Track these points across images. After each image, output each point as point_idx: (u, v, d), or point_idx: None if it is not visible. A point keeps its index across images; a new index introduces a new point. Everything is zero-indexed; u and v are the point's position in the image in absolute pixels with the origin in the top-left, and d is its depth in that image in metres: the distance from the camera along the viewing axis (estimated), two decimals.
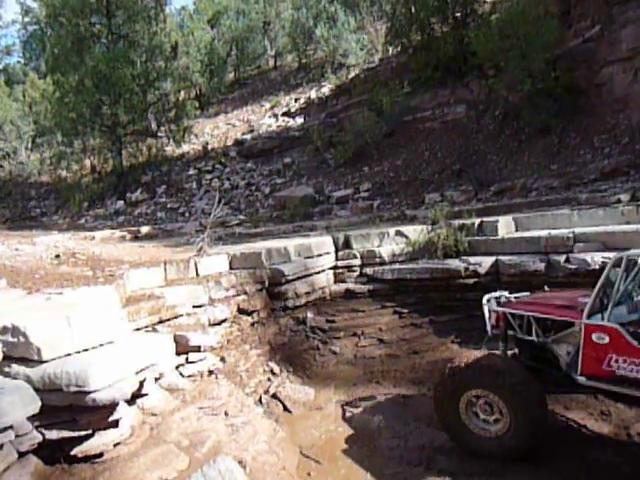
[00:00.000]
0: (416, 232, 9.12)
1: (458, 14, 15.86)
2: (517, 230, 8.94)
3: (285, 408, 6.58)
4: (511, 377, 4.80)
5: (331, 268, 9.06)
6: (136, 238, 12.65)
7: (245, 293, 7.58)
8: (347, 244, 9.22)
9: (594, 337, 4.49)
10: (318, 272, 8.72)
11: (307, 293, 8.40)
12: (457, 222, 9.11)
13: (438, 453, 5.29)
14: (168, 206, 17.20)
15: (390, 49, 19.08)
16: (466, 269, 8.00)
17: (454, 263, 8.27)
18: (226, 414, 5.39)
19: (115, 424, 4.27)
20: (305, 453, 5.64)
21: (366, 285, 8.77)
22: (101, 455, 4.20)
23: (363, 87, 17.87)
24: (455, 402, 5.05)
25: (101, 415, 4.14)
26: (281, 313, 8.10)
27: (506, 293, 5.80)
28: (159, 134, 20.22)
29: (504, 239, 8.43)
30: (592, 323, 4.52)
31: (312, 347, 7.93)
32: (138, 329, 5.76)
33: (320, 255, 8.85)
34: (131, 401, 4.54)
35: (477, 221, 8.99)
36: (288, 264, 8.22)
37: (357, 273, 9.03)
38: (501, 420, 4.87)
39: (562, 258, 7.42)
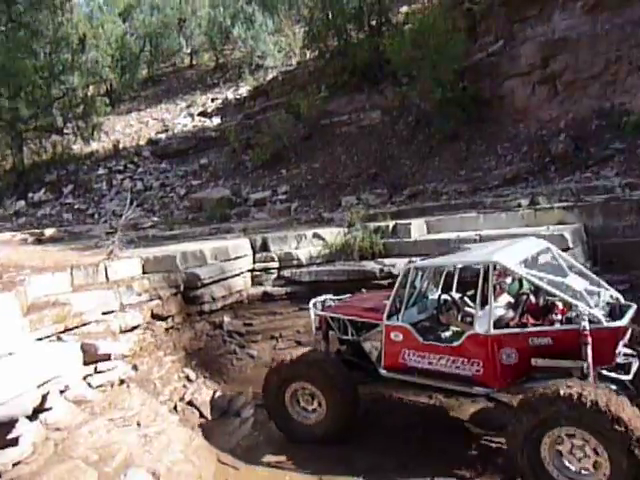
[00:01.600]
0: (333, 235, 9.26)
1: (374, 22, 16.30)
2: (429, 232, 9.33)
3: (201, 415, 6.43)
4: (327, 371, 5.50)
5: (249, 271, 8.99)
6: (39, 241, 11.86)
7: (159, 298, 7.34)
8: (265, 247, 9.19)
9: (392, 335, 5.27)
10: (235, 275, 8.62)
11: (224, 297, 8.27)
12: (372, 225, 9.35)
13: (357, 450, 5.40)
14: (75, 207, 16.27)
15: (308, 53, 19.24)
16: (381, 270, 8.22)
17: (370, 265, 8.47)
18: (138, 424, 5.20)
19: (15, 442, 3.99)
20: (222, 460, 5.55)
21: (284, 287, 8.78)
22: None
23: (281, 90, 17.89)
24: (282, 393, 5.67)
25: None
26: (197, 318, 7.92)
27: (330, 296, 6.46)
28: (65, 131, 19.07)
29: (417, 241, 8.77)
30: (390, 324, 5.30)
31: (229, 351, 7.82)
32: (41, 339, 5.40)
33: (237, 258, 8.75)
34: (33, 416, 4.26)
35: (391, 224, 9.28)
36: (204, 267, 8.06)
37: (275, 275, 9.02)
38: (319, 409, 5.57)
39: None
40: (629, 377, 4.66)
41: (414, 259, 6.32)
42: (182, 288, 7.69)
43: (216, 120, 19.39)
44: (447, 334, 5.26)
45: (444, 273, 5.90)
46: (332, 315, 6.05)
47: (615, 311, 4.79)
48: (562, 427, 4.11)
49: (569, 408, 4.00)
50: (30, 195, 17.15)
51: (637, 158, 10.09)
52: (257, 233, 10.04)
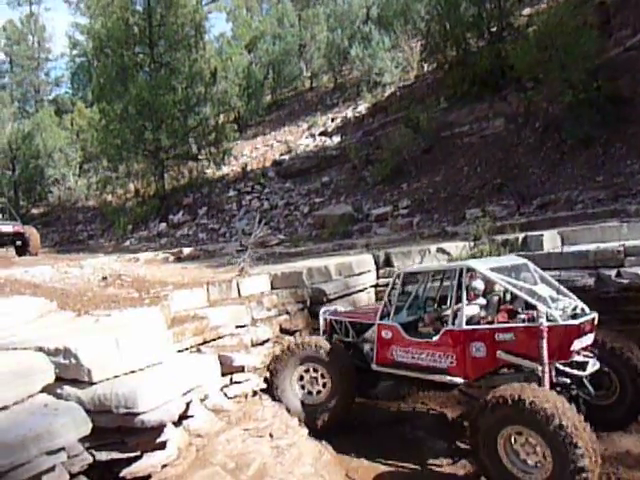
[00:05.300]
0: (458, 249, 8.96)
1: (494, 28, 15.75)
2: (563, 244, 8.66)
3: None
4: (336, 354, 6.24)
5: (372, 286, 8.98)
6: (179, 259, 12.88)
7: (287, 313, 7.59)
8: (388, 262, 9.13)
9: (383, 334, 6.05)
10: (359, 290, 8.66)
11: None
12: (500, 237, 8.91)
13: None
14: (209, 227, 17.52)
15: (425, 66, 19.09)
16: None
17: None
18: (271, 436, 5.37)
19: (162, 446, 4.31)
20: (350, 476, 5.55)
21: None
22: (149, 477, 4.23)
23: (399, 104, 17.89)
24: (290, 374, 6.27)
25: (149, 437, 4.18)
26: None
27: (339, 307, 7.37)
28: (200, 157, 20.72)
29: (550, 254, 8.17)
30: (381, 323, 6.10)
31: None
32: (183, 350, 5.83)
33: (361, 273, 8.79)
34: (178, 422, 4.59)
35: (521, 236, 8.77)
36: (329, 283, 8.20)
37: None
38: (324, 389, 6.20)
39: (613, 272, 7.12)
40: (585, 373, 5.25)
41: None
42: (308, 303, 7.88)
43: (336, 139, 19.84)
44: (428, 331, 5.91)
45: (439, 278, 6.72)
46: (335, 319, 6.87)
47: (578, 317, 5.21)
48: (513, 426, 4.68)
49: (518, 410, 4.54)
50: (170, 217, 18.80)
51: None
52: (380, 248, 10.03)
